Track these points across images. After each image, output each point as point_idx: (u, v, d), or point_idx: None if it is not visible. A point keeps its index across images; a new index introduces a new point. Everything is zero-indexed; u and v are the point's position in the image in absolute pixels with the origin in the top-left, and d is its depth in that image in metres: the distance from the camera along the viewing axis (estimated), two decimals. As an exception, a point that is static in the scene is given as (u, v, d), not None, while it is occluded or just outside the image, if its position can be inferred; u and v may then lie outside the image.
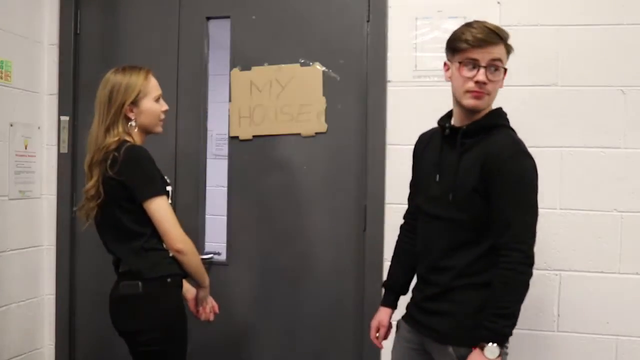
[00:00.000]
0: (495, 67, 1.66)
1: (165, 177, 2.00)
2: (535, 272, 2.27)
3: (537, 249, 2.28)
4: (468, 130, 1.71)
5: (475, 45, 1.65)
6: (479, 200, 1.66)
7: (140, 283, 1.87)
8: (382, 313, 1.99)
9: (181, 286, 2.00)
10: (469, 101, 1.68)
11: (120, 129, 1.91)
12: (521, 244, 1.62)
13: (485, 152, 1.66)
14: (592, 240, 2.27)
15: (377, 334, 2.00)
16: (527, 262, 1.62)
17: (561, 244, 2.30)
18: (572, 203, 2.28)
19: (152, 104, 1.96)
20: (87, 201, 1.92)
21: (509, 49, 1.71)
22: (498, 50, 1.66)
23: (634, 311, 2.25)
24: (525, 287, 1.63)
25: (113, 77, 1.94)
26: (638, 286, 2.25)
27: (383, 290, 2.03)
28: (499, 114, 1.76)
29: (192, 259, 1.93)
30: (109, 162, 1.85)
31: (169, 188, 1.97)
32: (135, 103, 1.92)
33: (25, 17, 2.67)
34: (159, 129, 2.02)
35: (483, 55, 1.65)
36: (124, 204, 1.88)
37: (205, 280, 2.04)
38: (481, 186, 1.65)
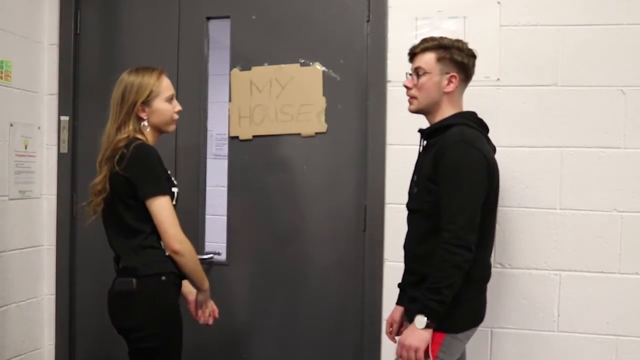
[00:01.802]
0: (417, 73, 1.89)
1: (173, 179, 2.01)
2: (535, 272, 2.31)
3: (537, 249, 2.31)
4: (428, 132, 1.92)
5: (409, 56, 1.95)
6: (434, 189, 1.79)
7: (134, 280, 1.89)
8: (395, 311, 2.08)
9: (177, 284, 1.99)
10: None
11: (131, 127, 1.93)
12: (451, 224, 1.72)
13: (437, 146, 1.82)
14: (592, 240, 2.27)
15: (391, 329, 2.09)
16: (455, 242, 1.70)
17: (561, 244, 2.29)
18: (572, 203, 2.28)
19: (164, 104, 1.98)
20: (94, 196, 1.94)
21: (441, 55, 1.85)
22: (420, 58, 1.88)
23: (634, 311, 2.25)
24: (453, 265, 1.70)
25: (127, 77, 1.96)
26: (638, 286, 2.25)
27: (399, 290, 2.09)
28: (460, 115, 1.88)
29: (188, 261, 1.94)
30: (116, 157, 1.87)
31: (175, 189, 1.98)
32: (147, 103, 1.95)
33: (25, 17, 2.67)
34: (172, 128, 2.05)
35: (412, 66, 1.93)
36: (127, 201, 1.90)
37: (204, 284, 2.04)
38: (434, 176, 1.79)
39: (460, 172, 1.74)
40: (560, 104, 2.29)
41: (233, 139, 2.61)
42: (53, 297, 2.79)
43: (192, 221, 2.58)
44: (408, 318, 1.90)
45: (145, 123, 1.96)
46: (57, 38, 2.76)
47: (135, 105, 1.93)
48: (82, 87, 2.75)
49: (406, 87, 1.93)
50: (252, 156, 2.60)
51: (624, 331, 2.26)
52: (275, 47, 2.56)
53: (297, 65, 2.53)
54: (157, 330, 1.89)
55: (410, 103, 1.93)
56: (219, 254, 2.68)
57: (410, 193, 1.97)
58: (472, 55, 1.89)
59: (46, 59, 2.77)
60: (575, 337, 2.29)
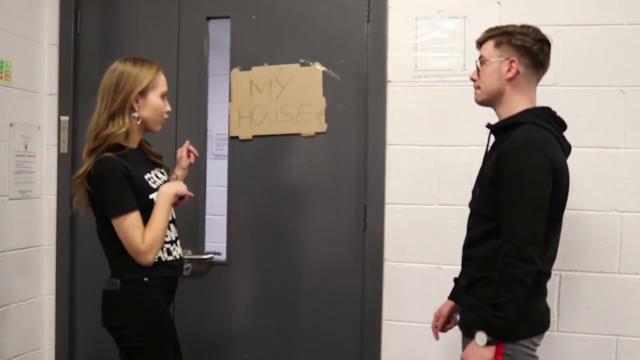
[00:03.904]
0: (481, 62, 1.82)
1: (152, 180, 1.95)
2: (535, 272, 2.30)
3: (537, 249, 2.30)
4: (495, 129, 1.84)
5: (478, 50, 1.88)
6: (496, 193, 1.71)
7: (118, 281, 1.90)
8: (445, 305, 2.04)
9: (163, 285, 1.96)
10: None
11: (127, 119, 1.88)
12: (513, 236, 1.63)
13: (502, 148, 1.73)
14: (592, 240, 2.27)
15: (436, 323, 2.05)
16: (518, 255, 1.61)
17: (561, 244, 2.28)
18: (571, 203, 2.26)
19: (158, 99, 1.95)
20: (77, 190, 1.91)
21: (500, 41, 1.78)
22: (482, 48, 1.83)
23: (634, 311, 2.25)
24: (516, 280, 1.61)
25: (122, 66, 1.91)
26: (638, 286, 2.25)
27: (453, 284, 2.05)
28: (527, 112, 1.77)
29: (158, 249, 1.90)
30: (87, 172, 1.85)
31: (154, 195, 1.92)
32: (142, 94, 1.91)
33: (25, 17, 2.67)
34: (158, 128, 2.00)
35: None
36: (98, 211, 1.90)
37: (173, 194, 1.96)
38: (496, 180, 1.71)
39: (523, 180, 1.64)
40: (560, 104, 2.27)
41: (233, 139, 2.61)
42: (53, 297, 2.79)
43: (192, 221, 2.59)
44: (464, 330, 1.84)
45: (136, 114, 1.91)
46: (57, 38, 2.75)
47: (132, 94, 1.88)
48: (82, 87, 2.75)
49: (472, 80, 1.85)
50: (252, 156, 2.60)
51: (624, 331, 2.26)
52: (275, 47, 2.56)
53: (297, 65, 2.53)
54: (139, 330, 1.89)
55: (475, 94, 1.85)
56: (219, 254, 2.67)
57: (473, 193, 1.88)
58: (541, 40, 1.77)
59: (46, 59, 2.77)
60: (575, 337, 2.29)
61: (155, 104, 1.94)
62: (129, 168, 1.86)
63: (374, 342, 2.45)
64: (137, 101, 1.90)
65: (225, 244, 2.65)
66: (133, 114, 1.91)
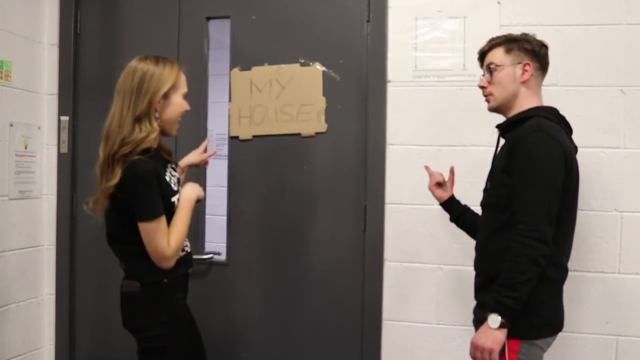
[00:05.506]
0: (489, 70, 1.85)
1: (173, 182, 1.93)
2: (535, 271, 2.30)
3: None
4: (505, 125, 1.86)
5: (479, 60, 1.92)
6: (508, 181, 1.72)
7: (138, 283, 1.87)
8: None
9: (182, 284, 1.97)
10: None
11: (154, 123, 1.82)
12: (527, 216, 1.64)
13: (513, 138, 1.76)
14: (592, 240, 2.27)
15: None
16: (532, 235, 1.61)
17: (561, 244, 2.29)
18: (572, 203, 2.28)
19: (180, 99, 1.90)
20: (103, 198, 1.83)
21: (509, 47, 1.83)
22: (490, 56, 1.85)
23: (634, 311, 2.25)
24: (530, 259, 1.60)
25: (143, 65, 1.84)
26: (638, 286, 2.25)
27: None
28: (537, 109, 1.81)
29: (180, 250, 1.89)
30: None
31: (175, 198, 1.89)
32: (165, 95, 1.84)
33: (25, 17, 2.67)
34: (174, 131, 1.94)
35: (483, 67, 1.90)
36: (123, 214, 1.85)
37: (195, 199, 1.97)
38: (508, 167, 1.72)
39: (537, 162, 1.65)
40: (560, 104, 2.27)
41: (233, 139, 2.61)
42: (53, 297, 2.79)
43: (192, 221, 2.57)
44: (477, 326, 1.79)
45: (157, 114, 1.84)
46: (57, 38, 2.76)
47: (157, 95, 1.81)
48: (82, 87, 2.76)
49: (481, 87, 1.88)
50: (252, 156, 2.60)
51: (624, 331, 2.26)
52: (275, 47, 2.56)
53: (297, 65, 2.53)
54: (161, 331, 1.88)
55: (488, 101, 1.87)
56: (219, 254, 2.68)
57: (484, 190, 1.90)
58: (543, 45, 1.85)
59: (46, 59, 2.77)
60: (575, 337, 2.28)
61: (177, 104, 1.89)
62: (159, 170, 1.84)
63: (374, 342, 2.45)
64: (158, 102, 1.84)
65: (225, 244, 2.65)
66: (155, 114, 1.84)
